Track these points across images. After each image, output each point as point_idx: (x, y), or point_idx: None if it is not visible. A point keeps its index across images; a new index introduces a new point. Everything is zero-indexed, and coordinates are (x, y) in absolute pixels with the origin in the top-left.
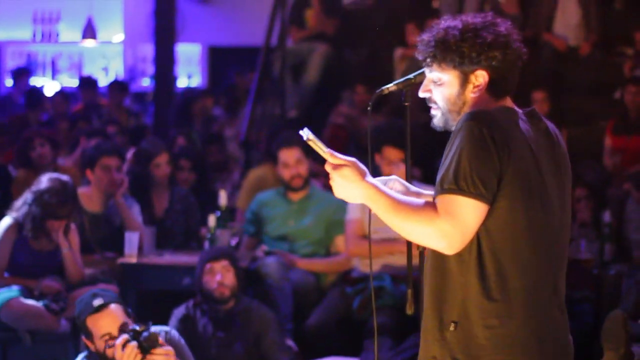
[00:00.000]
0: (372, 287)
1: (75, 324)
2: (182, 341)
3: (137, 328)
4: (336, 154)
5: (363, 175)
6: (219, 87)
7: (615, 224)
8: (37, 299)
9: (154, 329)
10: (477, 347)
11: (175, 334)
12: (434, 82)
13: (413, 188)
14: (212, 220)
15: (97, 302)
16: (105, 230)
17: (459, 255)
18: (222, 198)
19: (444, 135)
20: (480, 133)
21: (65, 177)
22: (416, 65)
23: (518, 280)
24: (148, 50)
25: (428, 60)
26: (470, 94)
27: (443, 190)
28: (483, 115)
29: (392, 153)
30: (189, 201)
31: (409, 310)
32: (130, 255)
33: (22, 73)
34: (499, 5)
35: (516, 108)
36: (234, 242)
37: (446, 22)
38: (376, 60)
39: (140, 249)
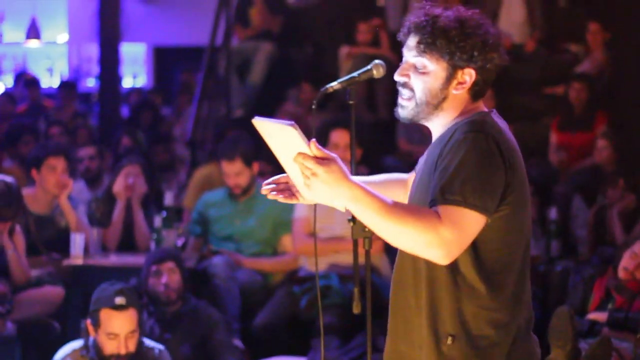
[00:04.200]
0: (318, 286)
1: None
2: None
3: None
4: (320, 146)
5: (347, 174)
6: (165, 87)
7: (562, 220)
8: None
9: (148, 343)
10: (478, 357)
11: (166, 354)
12: (416, 69)
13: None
14: (158, 220)
15: (119, 300)
16: (50, 232)
17: (452, 265)
18: (168, 198)
19: (389, 134)
20: (488, 145)
21: (9, 179)
22: (362, 63)
23: (511, 287)
24: (93, 50)
25: (421, 45)
26: (453, 91)
27: (447, 201)
28: (488, 126)
29: (338, 135)
30: None
31: (356, 310)
32: (76, 257)
33: None
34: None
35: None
36: (180, 242)
37: (436, 9)
38: (321, 58)
39: (86, 250)
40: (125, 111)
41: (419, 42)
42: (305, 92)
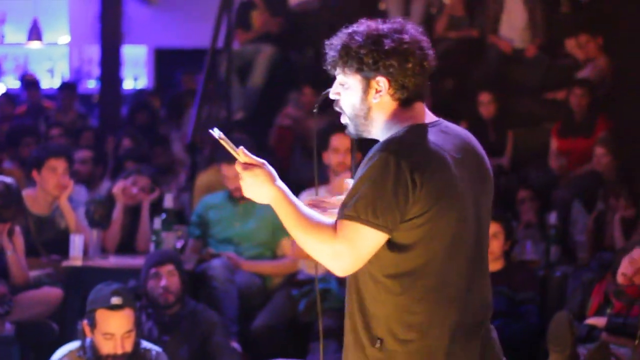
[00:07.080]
0: (318, 290)
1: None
2: None
3: None
4: (248, 153)
5: (273, 178)
6: (165, 89)
7: (561, 225)
8: None
9: (145, 344)
10: None
11: (164, 357)
12: (342, 86)
13: None
14: (157, 222)
15: (115, 300)
16: (50, 233)
17: (372, 273)
18: (168, 200)
19: None
20: (388, 164)
21: (9, 180)
22: None
23: (436, 293)
24: (94, 51)
25: (336, 63)
26: (373, 100)
27: (344, 216)
28: (396, 144)
29: (339, 140)
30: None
31: None
32: (75, 258)
33: None
34: (444, 7)
35: (427, 120)
36: (179, 244)
37: (353, 27)
38: (323, 62)
39: (85, 251)
40: (125, 113)
41: (334, 62)
42: (306, 95)
